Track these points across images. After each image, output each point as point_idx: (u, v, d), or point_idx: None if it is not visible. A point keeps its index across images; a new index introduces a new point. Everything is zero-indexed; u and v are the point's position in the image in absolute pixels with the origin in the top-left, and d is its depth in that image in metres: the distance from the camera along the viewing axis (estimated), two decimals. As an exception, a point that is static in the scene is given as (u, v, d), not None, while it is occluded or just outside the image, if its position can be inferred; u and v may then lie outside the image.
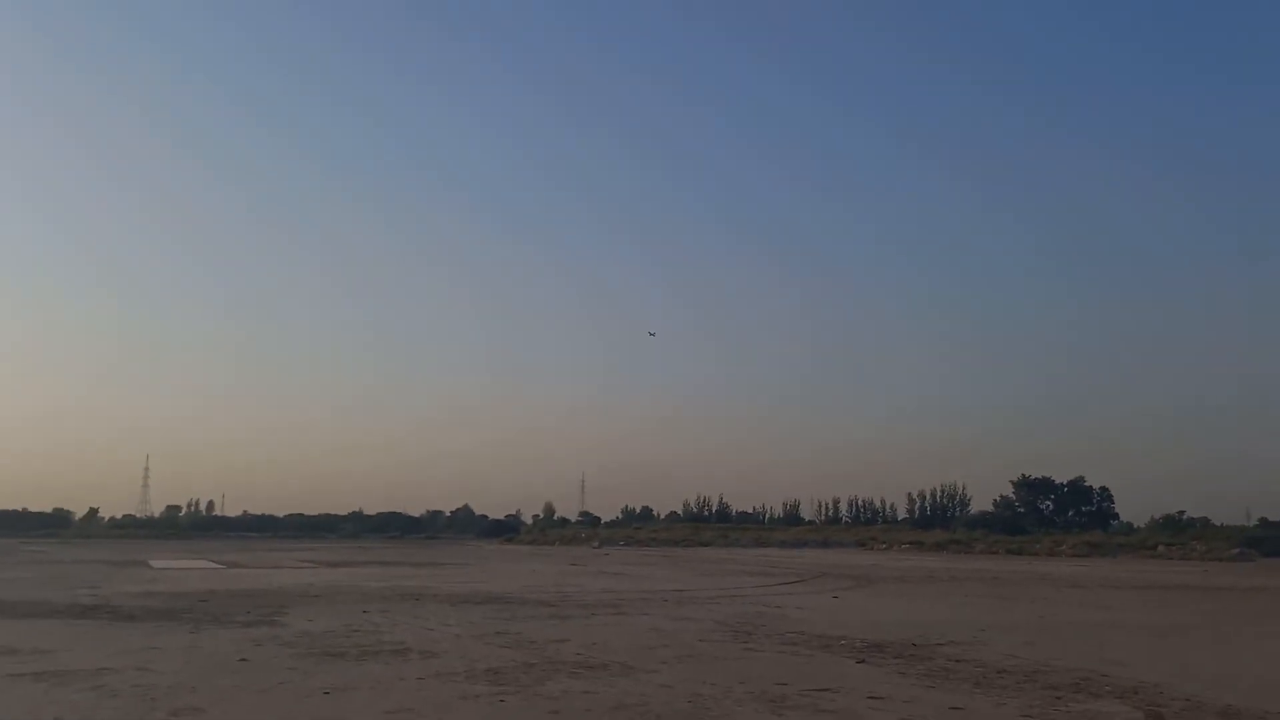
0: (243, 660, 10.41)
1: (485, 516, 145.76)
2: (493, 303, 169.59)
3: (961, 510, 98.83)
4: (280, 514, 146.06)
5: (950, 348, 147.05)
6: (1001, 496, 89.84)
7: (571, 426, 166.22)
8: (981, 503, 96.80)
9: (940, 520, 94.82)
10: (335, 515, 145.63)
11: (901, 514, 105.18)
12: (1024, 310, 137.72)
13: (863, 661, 10.87)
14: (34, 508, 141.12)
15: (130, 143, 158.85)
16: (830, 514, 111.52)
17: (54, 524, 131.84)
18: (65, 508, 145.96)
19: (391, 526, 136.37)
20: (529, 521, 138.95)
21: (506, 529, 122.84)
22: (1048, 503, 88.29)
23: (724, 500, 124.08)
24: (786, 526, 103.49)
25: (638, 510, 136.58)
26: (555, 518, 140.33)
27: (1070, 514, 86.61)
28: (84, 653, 10.85)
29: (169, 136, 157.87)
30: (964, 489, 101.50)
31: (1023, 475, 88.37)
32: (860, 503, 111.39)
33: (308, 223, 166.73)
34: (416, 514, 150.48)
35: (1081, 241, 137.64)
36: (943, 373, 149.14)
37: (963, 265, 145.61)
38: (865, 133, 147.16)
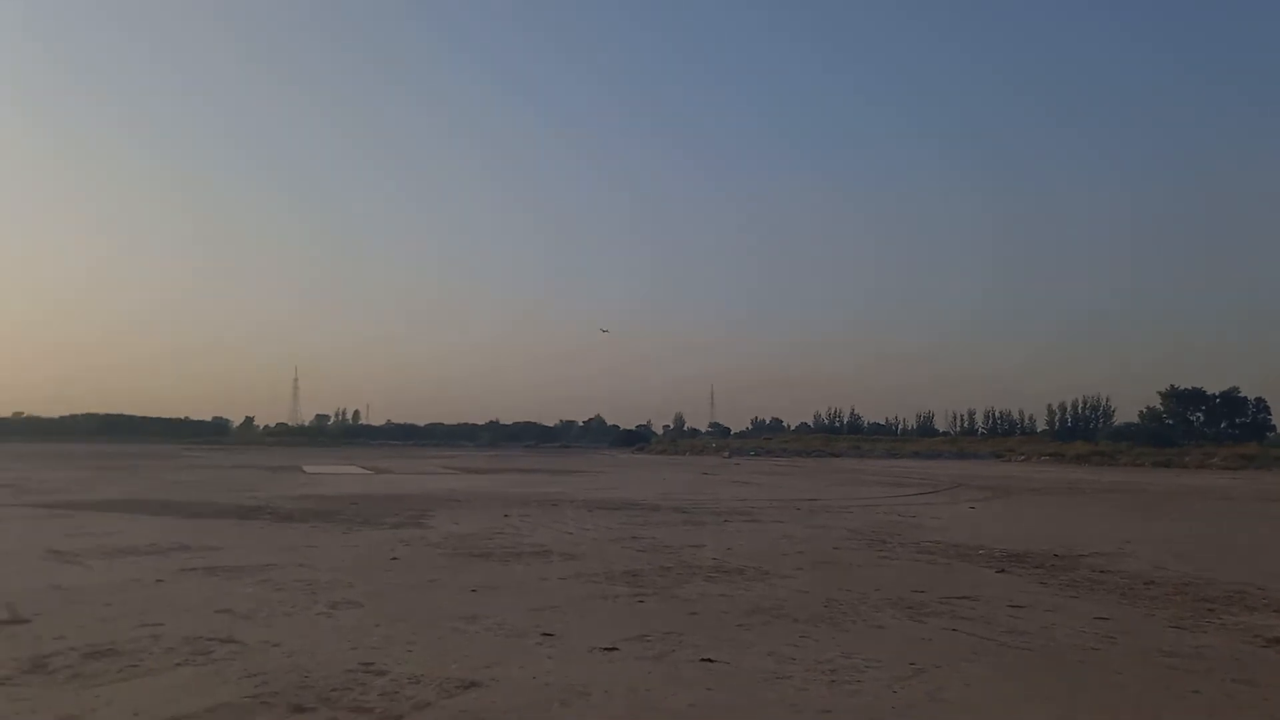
0: (394, 559, 10.93)
1: (617, 426, 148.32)
2: (653, 225, 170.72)
3: (1105, 422, 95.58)
4: (421, 423, 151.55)
5: (1097, 256, 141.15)
6: (1148, 408, 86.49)
7: (702, 339, 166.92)
8: (1126, 415, 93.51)
9: (1082, 433, 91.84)
10: (473, 424, 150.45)
11: (1040, 426, 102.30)
12: (1186, 222, 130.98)
13: (1002, 571, 10.73)
14: (195, 416, 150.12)
15: (311, 58, 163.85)
16: (965, 425, 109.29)
17: (213, 432, 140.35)
18: (224, 416, 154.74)
19: (526, 435, 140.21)
20: (659, 432, 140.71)
21: (637, 439, 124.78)
22: (1198, 415, 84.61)
23: (855, 412, 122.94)
24: (920, 437, 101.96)
25: (767, 421, 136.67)
26: (685, 428, 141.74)
27: (1223, 426, 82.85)
28: (250, 550, 11.56)
29: (357, 52, 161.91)
30: (1108, 401, 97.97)
31: (1171, 386, 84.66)
32: (997, 414, 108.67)
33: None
34: (550, 423, 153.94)
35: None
36: (1091, 284, 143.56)
37: (1105, 175, 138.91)
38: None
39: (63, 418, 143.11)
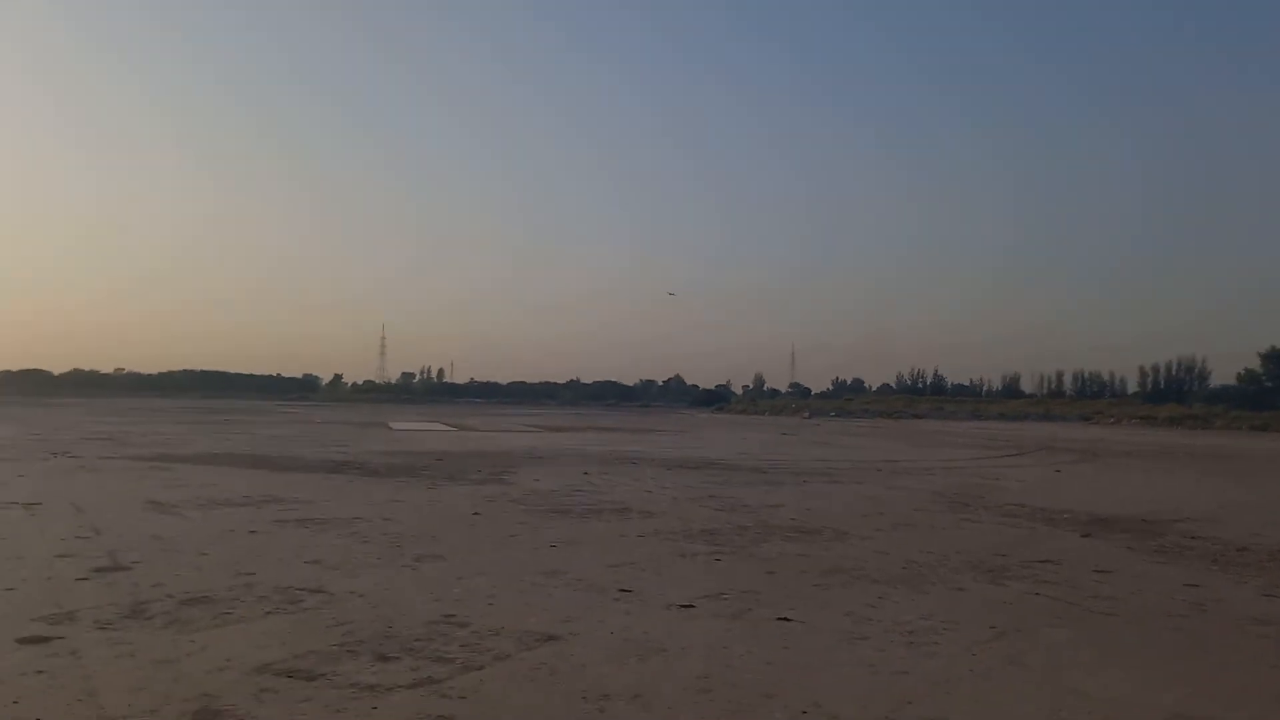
0: (476, 514, 11.14)
1: (696, 386, 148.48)
2: (718, 191, 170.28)
3: (1200, 385, 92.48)
4: (503, 381, 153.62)
5: (1189, 215, 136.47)
6: (1246, 370, 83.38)
7: (783, 298, 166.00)
8: (1223, 377, 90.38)
9: (1175, 395, 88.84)
10: (554, 383, 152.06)
11: (1131, 388, 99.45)
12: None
13: (1088, 535, 10.52)
14: (287, 373, 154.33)
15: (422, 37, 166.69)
16: (1053, 387, 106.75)
17: (304, 388, 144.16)
18: (314, 373, 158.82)
19: (607, 395, 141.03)
20: (739, 392, 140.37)
21: (717, 399, 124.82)
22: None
23: (939, 373, 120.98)
24: (1005, 399, 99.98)
25: (848, 382, 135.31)
26: (765, 388, 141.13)
27: (1328, 389, 79.53)
28: (339, 503, 11.88)
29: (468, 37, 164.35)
30: (1203, 362, 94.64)
31: (1272, 347, 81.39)
32: (1085, 376, 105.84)
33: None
34: (630, 383, 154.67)
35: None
36: (1180, 240, 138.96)
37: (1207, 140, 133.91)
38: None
39: (161, 374, 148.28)
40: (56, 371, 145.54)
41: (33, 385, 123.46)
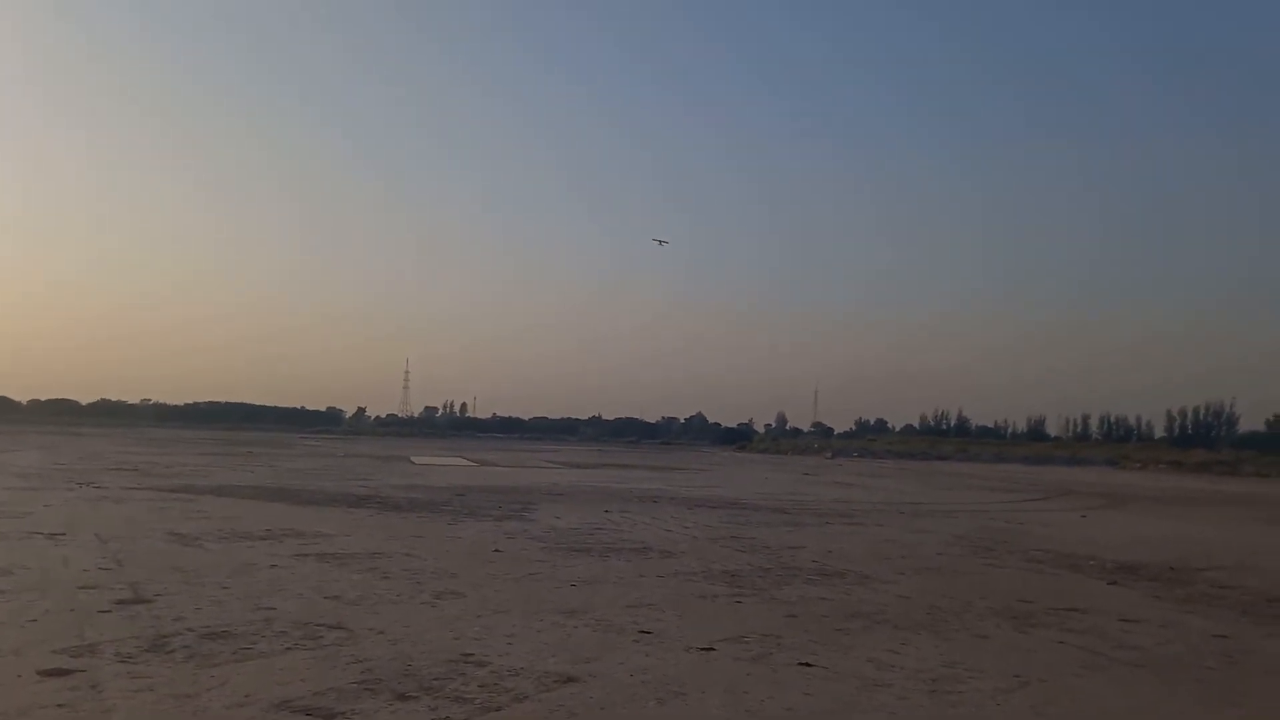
0: (497, 551, 11.12)
1: (718, 424, 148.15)
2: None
3: (1228, 430, 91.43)
4: (525, 416, 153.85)
5: (1218, 262, 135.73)
6: (1276, 415, 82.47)
7: (803, 338, 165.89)
8: (1252, 422, 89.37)
9: (1203, 440, 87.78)
10: (576, 419, 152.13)
11: (1159, 432, 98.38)
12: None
13: (1114, 583, 10.38)
14: (310, 406, 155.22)
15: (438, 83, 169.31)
16: (1078, 430, 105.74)
17: (327, 421, 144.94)
18: (337, 406, 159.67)
19: (628, 431, 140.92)
20: (761, 430, 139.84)
21: (738, 436, 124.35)
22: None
23: (963, 414, 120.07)
24: (1030, 442, 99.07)
25: (871, 422, 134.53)
26: (787, 427, 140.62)
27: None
28: (359, 538, 11.89)
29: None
30: (1232, 407, 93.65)
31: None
32: (1112, 419, 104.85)
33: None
34: (652, 420, 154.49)
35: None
36: (1208, 285, 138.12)
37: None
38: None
39: (186, 405, 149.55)
40: (84, 401, 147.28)
41: (61, 414, 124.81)
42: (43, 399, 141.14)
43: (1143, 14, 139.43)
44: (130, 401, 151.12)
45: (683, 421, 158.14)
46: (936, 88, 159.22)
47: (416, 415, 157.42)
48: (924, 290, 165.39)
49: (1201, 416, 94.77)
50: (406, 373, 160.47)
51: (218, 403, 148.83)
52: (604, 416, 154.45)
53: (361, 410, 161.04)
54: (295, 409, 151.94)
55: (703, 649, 6.42)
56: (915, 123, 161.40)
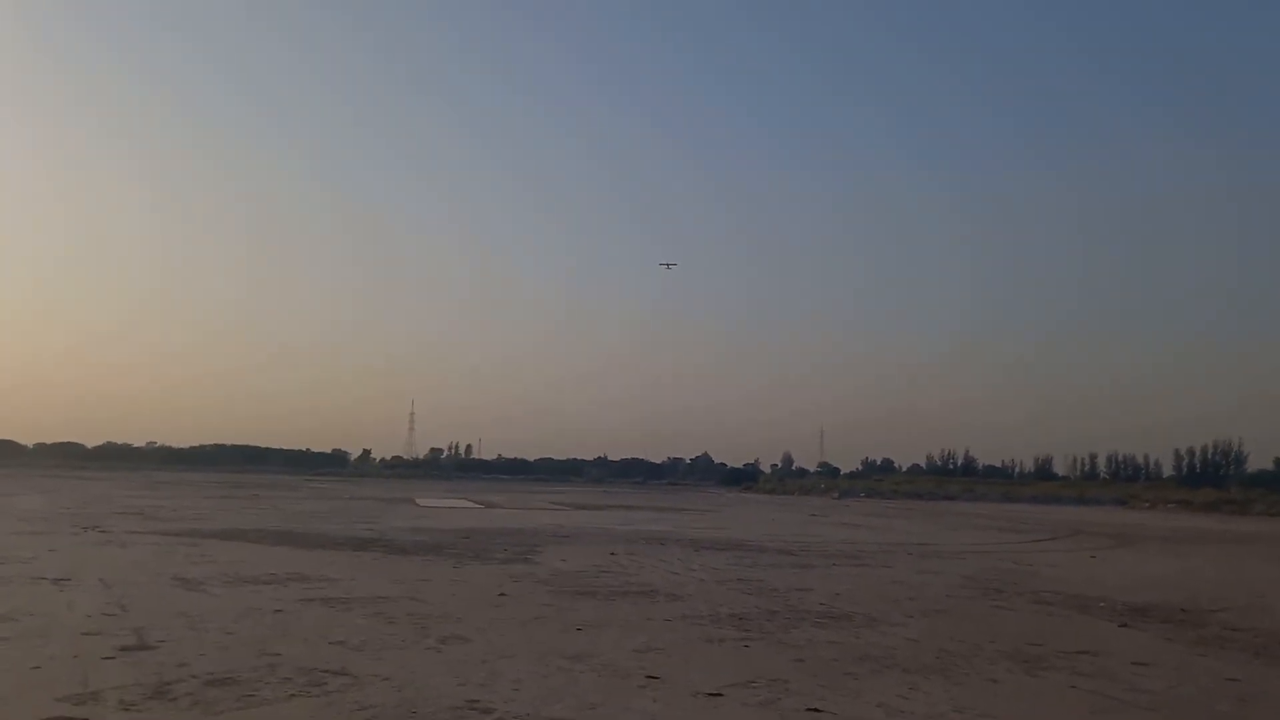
0: (502, 595, 11.05)
1: (724, 464, 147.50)
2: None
3: (1236, 469, 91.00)
4: (531, 458, 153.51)
5: (1232, 296, 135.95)
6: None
7: (813, 378, 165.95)
8: (1260, 461, 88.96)
9: (1211, 479, 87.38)
10: (581, 460, 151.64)
11: (1167, 471, 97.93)
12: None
13: (1125, 625, 10.28)
14: (316, 448, 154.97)
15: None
16: (1086, 469, 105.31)
17: (333, 463, 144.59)
18: (343, 448, 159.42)
19: (634, 472, 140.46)
20: (767, 470, 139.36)
21: (745, 477, 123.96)
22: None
23: (970, 453, 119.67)
24: (1037, 481, 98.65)
25: (878, 462, 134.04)
26: (794, 467, 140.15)
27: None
28: (364, 582, 11.84)
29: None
30: (1240, 445, 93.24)
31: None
32: (1120, 459, 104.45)
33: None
34: (658, 460, 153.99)
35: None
36: (1215, 323, 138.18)
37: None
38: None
39: (191, 448, 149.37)
40: (90, 444, 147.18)
41: (67, 457, 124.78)
42: (48, 442, 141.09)
43: (1151, 59, 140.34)
44: (136, 444, 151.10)
45: (688, 462, 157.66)
46: (941, 131, 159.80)
47: (422, 457, 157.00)
48: (928, 326, 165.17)
49: (1210, 455, 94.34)
50: (412, 414, 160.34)
51: (224, 445, 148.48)
52: (609, 457, 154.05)
53: (367, 452, 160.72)
54: (301, 451, 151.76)
55: (710, 694, 6.36)
56: (910, 155, 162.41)
